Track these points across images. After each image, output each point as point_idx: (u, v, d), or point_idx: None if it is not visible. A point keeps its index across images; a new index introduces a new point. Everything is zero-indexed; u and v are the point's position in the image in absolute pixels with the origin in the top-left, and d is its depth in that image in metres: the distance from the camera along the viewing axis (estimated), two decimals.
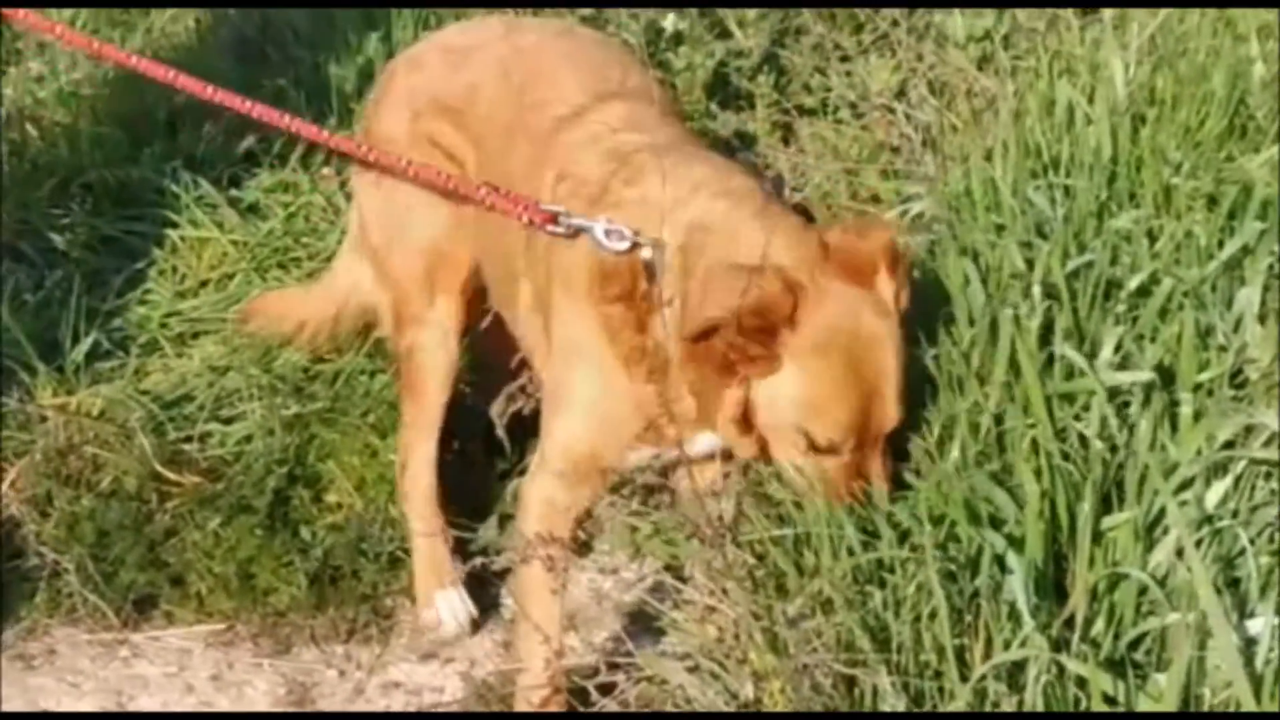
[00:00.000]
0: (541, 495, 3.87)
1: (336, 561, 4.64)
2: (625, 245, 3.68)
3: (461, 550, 4.58)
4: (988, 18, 5.75)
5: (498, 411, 4.70)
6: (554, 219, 3.78)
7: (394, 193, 4.40)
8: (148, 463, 4.70)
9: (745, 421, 3.60)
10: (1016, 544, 3.39)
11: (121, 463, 4.70)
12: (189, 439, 4.88)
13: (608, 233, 3.69)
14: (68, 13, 7.00)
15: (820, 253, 3.60)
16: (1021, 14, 5.68)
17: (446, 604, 4.53)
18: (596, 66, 4.22)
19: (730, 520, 3.63)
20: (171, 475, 4.71)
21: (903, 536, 3.52)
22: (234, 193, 5.68)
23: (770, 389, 3.55)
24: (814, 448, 3.56)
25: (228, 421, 4.96)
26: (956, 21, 5.74)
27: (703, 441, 3.77)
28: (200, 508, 4.64)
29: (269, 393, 4.94)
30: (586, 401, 3.81)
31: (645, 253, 3.67)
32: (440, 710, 4.31)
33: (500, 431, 4.66)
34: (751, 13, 5.91)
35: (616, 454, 3.81)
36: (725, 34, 5.95)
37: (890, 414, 3.58)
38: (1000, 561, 3.34)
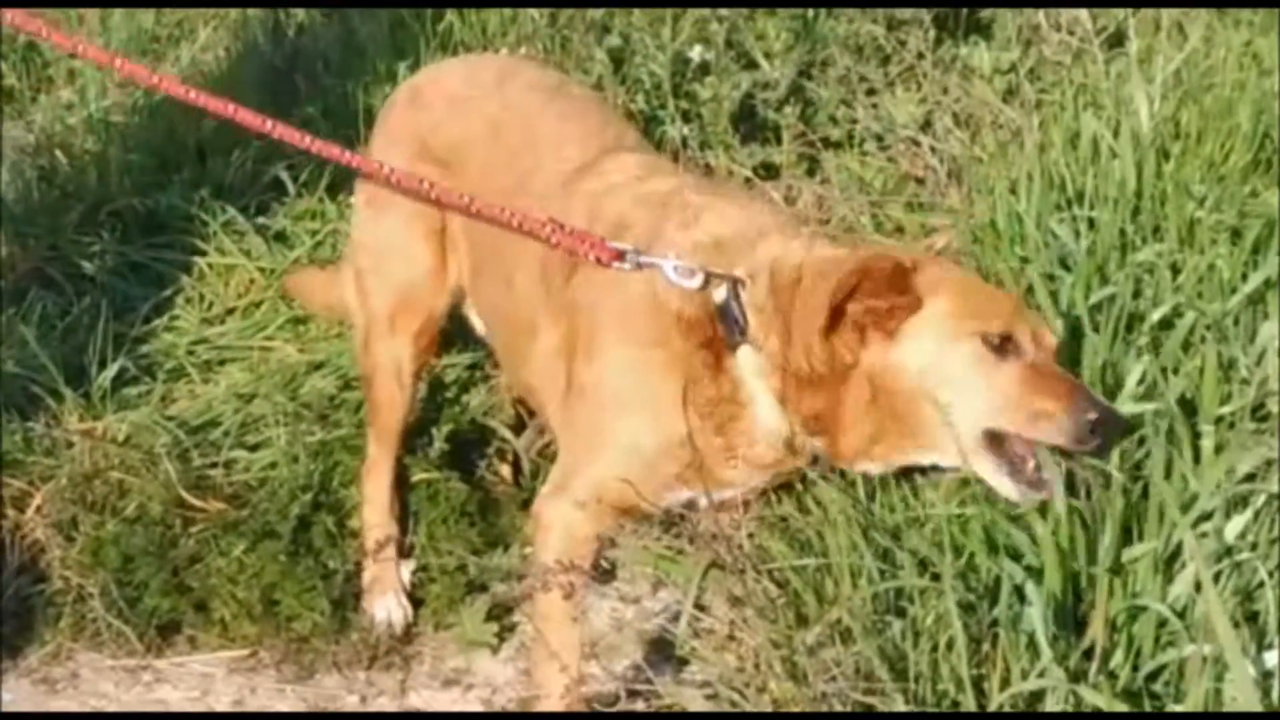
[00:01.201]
0: (563, 522, 3.84)
1: (359, 588, 4.64)
2: (698, 282, 3.68)
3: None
4: (1013, 51, 5.77)
5: (526, 444, 4.78)
6: (620, 256, 3.77)
7: (380, 222, 4.47)
8: (172, 488, 4.69)
9: (888, 395, 3.53)
10: (1035, 575, 3.38)
11: (146, 488, 4.70)
12: (214, 465, 4.87)
13: (677, 269, 3.70)
14: (98, 40, 7.09)
15: None
16: (1047, 48, 5.68)
17: (384, 608, 4.62)
18: (591, 128, 4.25)
19: (750, 549, 3.63)
20: (196, 501, 4.71)
21: (922, 565, 3.52)
22: (261, 220, 5.71)
23: (924, 318, 3.51)
24: (994, 347, 3.47)
25: (253, 448, 4.96)
26: (982, 55, 5.75)
27: (752, 484, 3.80)
28: (224, 533, 4.63)
29: (294, 419, 4.94)
30: (630, 448, 3.77)
31: (718, 295, 3.68)
32: None
33: (526, 463, 4.78)
34: (778, 44, 5.93)
35: (651, 496, 3.77)
36: (752, 65, 5.97)
37: (1049, 326, 3.60)
38: (1019, 592, 3.34)
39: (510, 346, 4.26)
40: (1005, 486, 3.47)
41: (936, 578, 3.41)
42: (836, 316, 3.51)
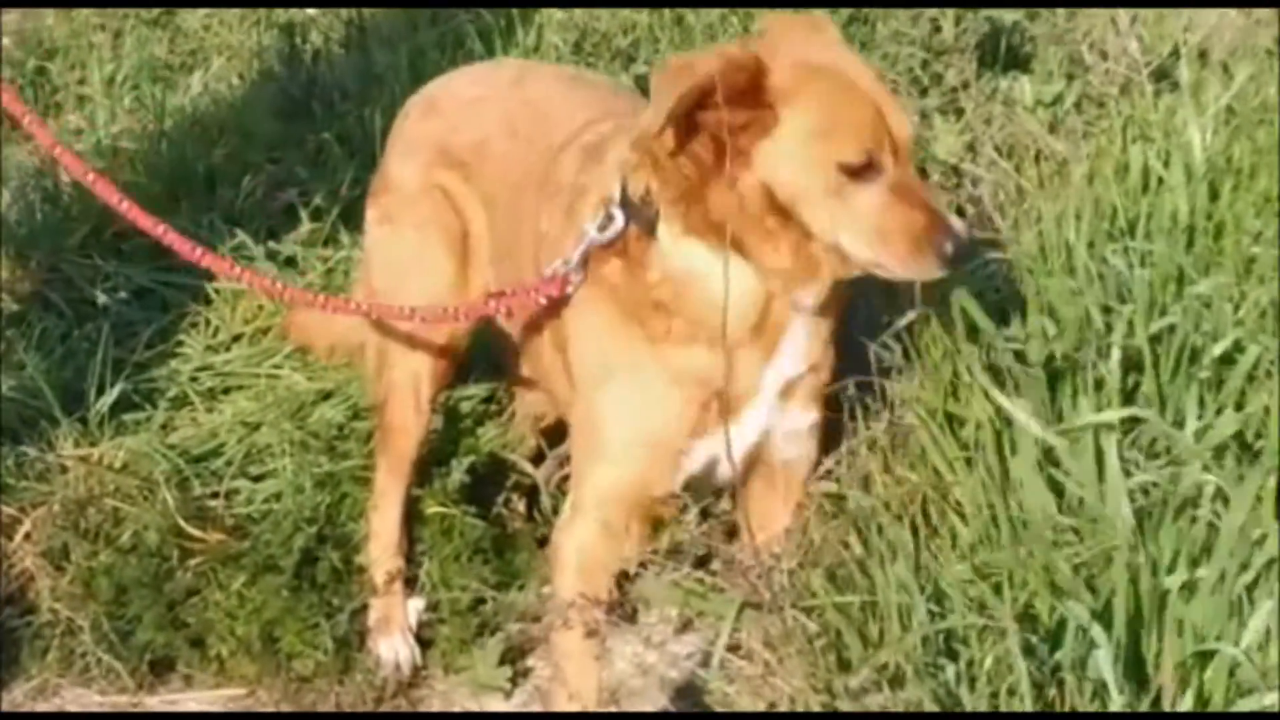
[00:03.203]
0: (579, 548, 3.66)
1: (365, 627, 4.45)
2: (618, 223, 3.51)
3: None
4: (1055, 84, 5.60)
5: (545, 475, 4.61)
6: (566, 280, 3.60)
7: (397, 237, 4.28)
8: (170, 517, 4.49)
9: (774, 208, 3.35)
10: (1099, 616, 3.16)
11: (143, 517, 4.50)
12: (215, 495, 4.67)
13: (598, 229, 3.52)
14: (109, 67, 6.96)
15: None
16: (1095, 77, 5.52)
17: (391, 648, 4.42)
18: (605, 101, 4.08)
19: (788, 584, 3.41)
20: (195, 531, 4.50)
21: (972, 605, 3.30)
22: (271, 245, 5.49)
23: (778, 143, 3.32)
24: (852, 173, 3.31)
25: (257, 478, 4.76)
26: (1024, 87, 5.59)
27: (764, 394, 3.58)
28: (224, 566, 4.44)
29: (300, 449, 4.74)
30: (623, 423, 3.59)
31: (614, 193, 3.51)
32: None
33: (545, 497, 4.60)
34: None
35: (667, 474, 3.59)
36: None
37: (904, 120, 3.40)
38: (1083, 633, 3.11)
39: (526, 344, 4.08)
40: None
41: (992, 617, 3.18)
42: (689, 124, 3.32)
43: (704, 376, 3.49)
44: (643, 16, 6.38)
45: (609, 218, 3.50)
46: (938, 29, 5.88)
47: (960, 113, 5.53)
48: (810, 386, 3.66)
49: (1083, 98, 5.61)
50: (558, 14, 6.44)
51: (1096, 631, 3.09)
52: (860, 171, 3.32)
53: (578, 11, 6.47)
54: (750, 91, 3.29)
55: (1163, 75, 5.68)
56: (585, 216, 3.58)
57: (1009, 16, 6.05)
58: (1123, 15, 5.71)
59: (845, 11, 6.16)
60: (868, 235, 3.35)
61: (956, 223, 3.38)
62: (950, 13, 5.96)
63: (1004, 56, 6.02)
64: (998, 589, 3.29)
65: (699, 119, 3.31)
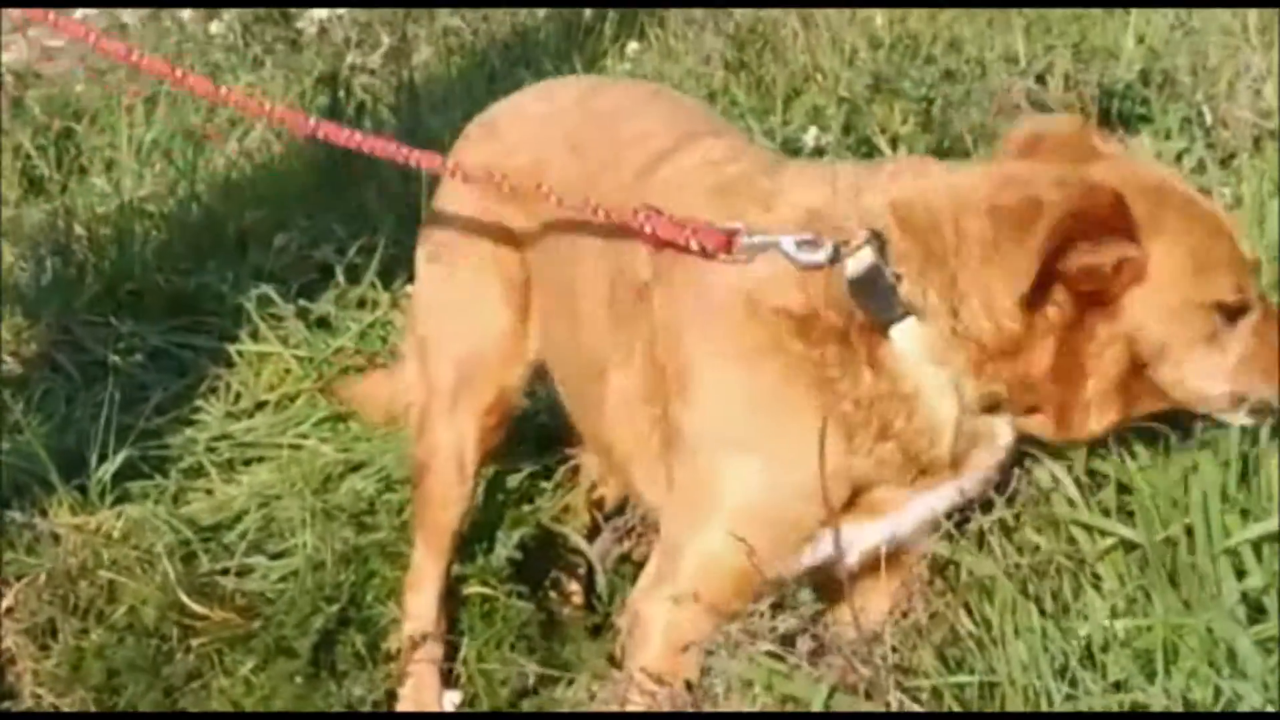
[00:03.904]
0: (669, 621, 3.13)
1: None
2: (824, 255, 2.96)
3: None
4: (1178, 140, 5.16)
5: (600, 553, 4.21)
6: (728, 243, 3.06)
7: (449, 278, 3.87)
8: (171, 592, 4.11)
9: (1128, 364, 2.91)
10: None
11: (141, 591, 4.12)
12: (225, 571, 4.27)
13: (799, 244, 2.98)
14: (139, 130, 6.73)
15: (1042, 154, 3.05)
16: (1225, 133, 5.11)
17: None
18: (684, 116, 3.65)
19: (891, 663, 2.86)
20: (199, 608, 4.12)
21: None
22: (302, 303, 5.09)
23: (1154, 287, 2.88)
24: (1228, 311, 2.90)
25: (275, 556, 4.35)
26: (1144, 143, 5.15)
27: (914, 511, 3.09)
28: (230, 648, 4.10)
29: (323, 521, 4.33)
30: (750, 498, 3.05)
31: (855, 264, 2.95)
32: None
33: (601, 577, 4.22)
34: (906, 127, 5.30)
35: (789, 560, 3.06)
36: (873, 152, 5.29)
37: (1243, 232, 3.09)
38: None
39: (580, 397, 3.58)
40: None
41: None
42: (1042, 278, 2.85)
43: (861, 480, 3.03)
44: (718, 71, 6.02)
45: (817, 246, 2.97)
46: (1042, 83, 5.44)
47: None
48: None
49: (1205, 155, 5.14)
50: (625, 66, 6.19)
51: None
52: (1235, 310, 2.95)
53: (648, 65, 6.19)
54: (1115, 228, 2.85)
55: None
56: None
57: (1123, 76, 5.64)
58: (1258, 61, 5.27)
59: (936, 70, 5.76)
60: (1234, 370, 2.98)
61: None
62: (1057, 70, 5.63)
63: (1115, 119, 5.57)
64: (1143, 664, 2.82)
65: (1053, 269, 2.86)
